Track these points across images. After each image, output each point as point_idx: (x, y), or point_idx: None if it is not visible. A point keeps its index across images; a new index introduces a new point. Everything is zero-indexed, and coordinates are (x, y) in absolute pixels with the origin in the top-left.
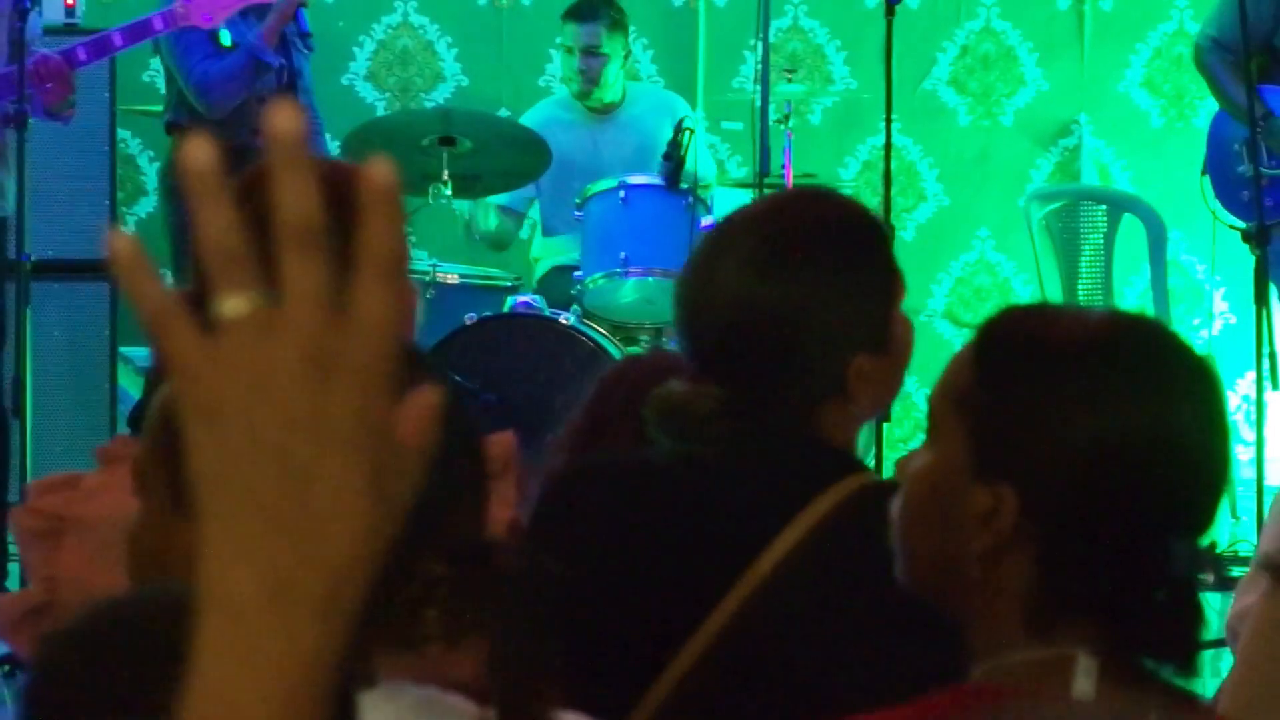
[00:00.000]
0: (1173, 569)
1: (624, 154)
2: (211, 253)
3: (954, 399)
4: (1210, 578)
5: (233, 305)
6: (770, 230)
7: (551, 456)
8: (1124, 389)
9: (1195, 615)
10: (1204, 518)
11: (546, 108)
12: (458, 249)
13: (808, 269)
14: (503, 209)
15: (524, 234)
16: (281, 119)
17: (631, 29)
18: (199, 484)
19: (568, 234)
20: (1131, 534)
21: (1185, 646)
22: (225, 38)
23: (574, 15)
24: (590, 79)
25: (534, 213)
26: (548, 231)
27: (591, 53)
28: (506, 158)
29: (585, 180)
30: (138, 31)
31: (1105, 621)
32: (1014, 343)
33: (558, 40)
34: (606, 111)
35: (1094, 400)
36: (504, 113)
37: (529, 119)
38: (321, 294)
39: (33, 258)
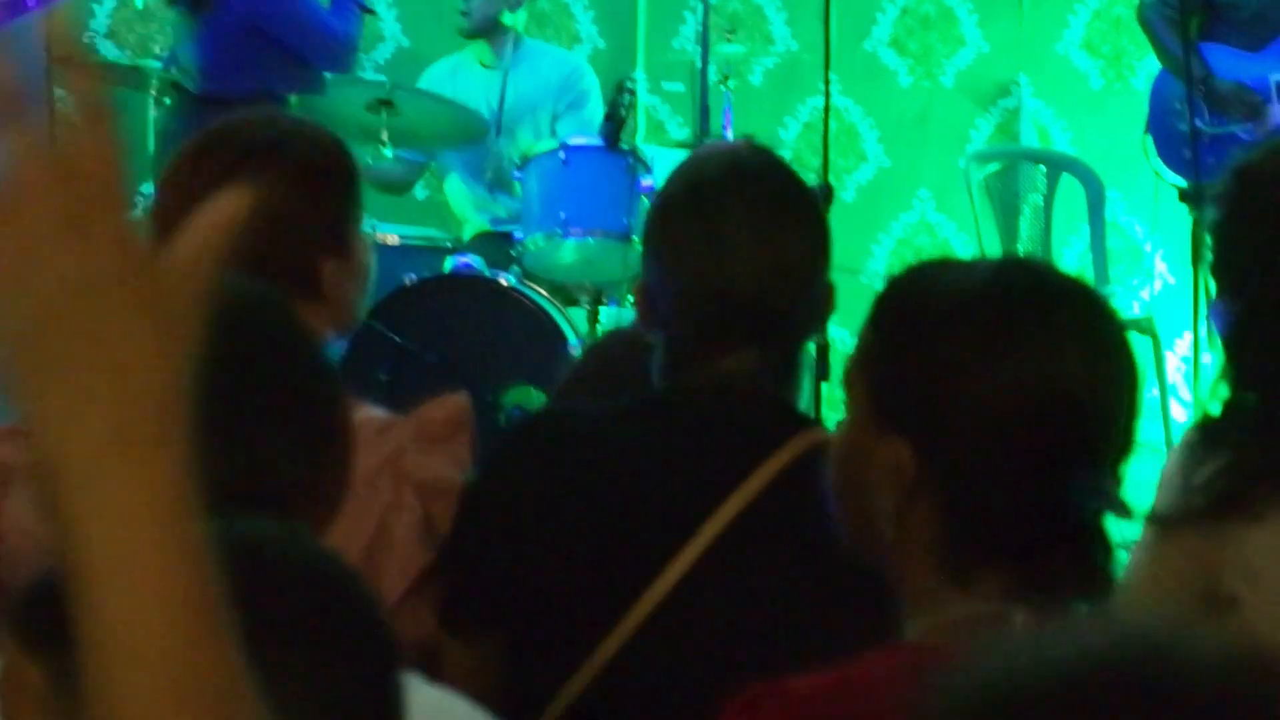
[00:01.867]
0: (1075, 508)
1: (521, 98)
2: None
3: (858, 359)
4: (1115, 512)
5: None
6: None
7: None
8: (1009, 336)
9: (1104, 551)
10: (1103, 454)
11: (449, 60)
12: (396, 210)
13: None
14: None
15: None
16: None
17: None
18: (12, 369)
19: (475, 183)
20: (1029, 477)
21: (1099, 583)
22: None
23: None
24: (468, 6)
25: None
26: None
27: None
28: (444, 121)
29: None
30: None
31: (1019, 567)
32: (905, 300)
33: None
34: (499, 49)
35: (981, 349)
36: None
37: (435, 71)
38: (41, 152)
39: None
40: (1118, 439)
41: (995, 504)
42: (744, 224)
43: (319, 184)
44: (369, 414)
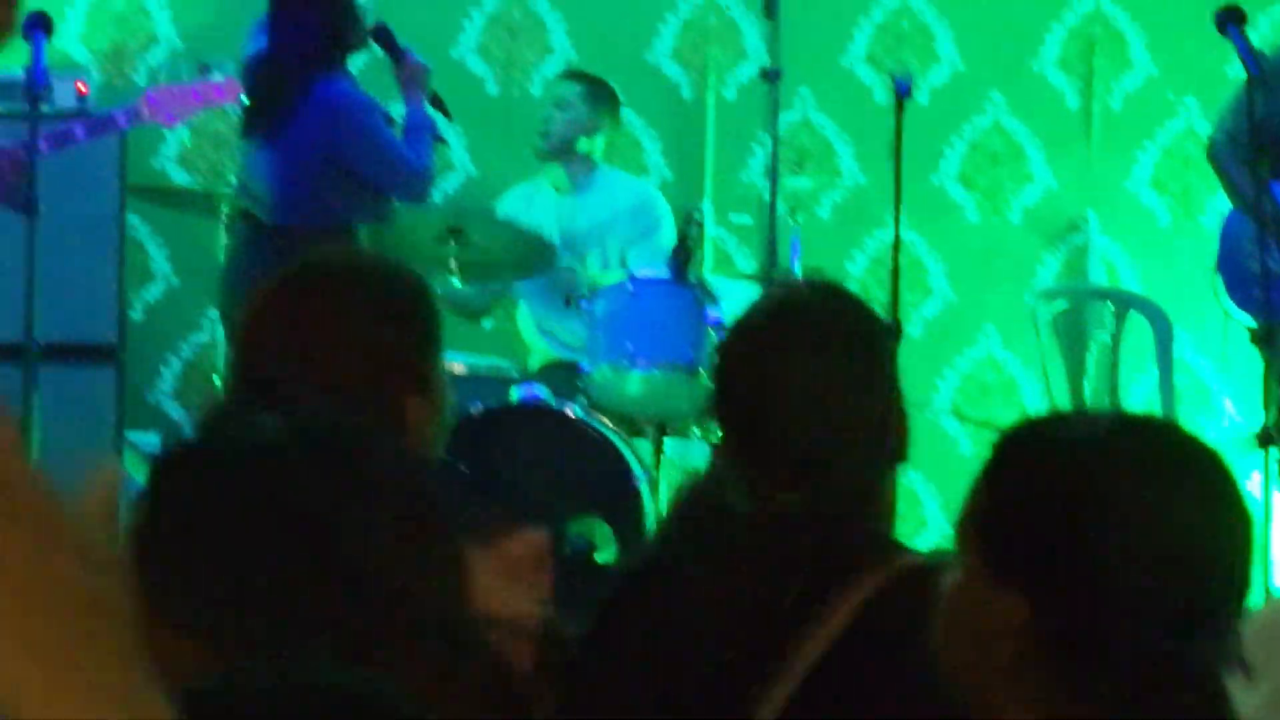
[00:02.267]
0: (1196, 666)
1: (594, 223)
2: None
3: (971, 513)
4: (1235, 669)
5: None
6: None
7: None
8: (1130, 494)
9: (1224, 710)
10: (1223, 611)
11: (525, 185)
12: (462, 339)
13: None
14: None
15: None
16: None
17: (641, 121)
18: None
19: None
20: (1150, 634)
21: None
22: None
23: (558, 77)
24: (547, 129)
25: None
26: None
27: (558, 104)
28: (514, 250)
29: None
30: (100, 126)
31: None
32: (1021, 455)
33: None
34: (575, 175)
35: (1101, 507)
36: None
37: (512, 196)
38: None
39: (41, 342)
40: (1236, 595)
41: (1114, 661)
42: (797, 364)
43: (403, 322)
44: None
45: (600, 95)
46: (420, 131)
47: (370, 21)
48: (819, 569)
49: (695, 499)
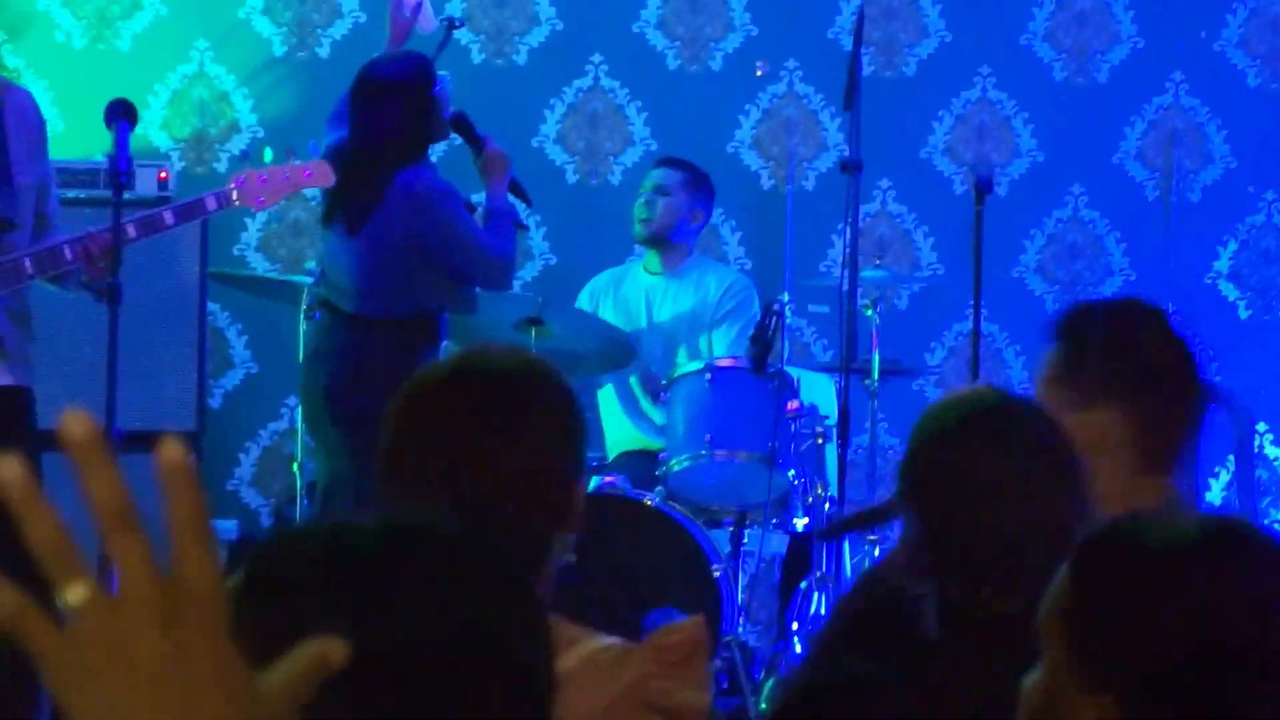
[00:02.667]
0: None
1: (686, 311)
2: (44, 552)
3: (1055, 614)
4: None
5: (75, 593)
6: None
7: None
8: (1216, 596)
9: None
10: None
11: (615, 270)
12: None
13: None
14: None
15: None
16: (73, 426)
17: (719, 211)
18: None
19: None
20: None
21: None
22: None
23: (658, 163)
24: (650, 214)
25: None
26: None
27: (660, 190)
28: (593, 343)
29: (645, 338)
30: (189, 210)
31: None
32: (1105, 556)
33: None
34: (668, 263)
35: (1188, 608)
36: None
37: (601, 280)
38: (148, 563)
39: (122, 430)
40: None
41: None
42: (998, 470)
43: (568, 417)
44: (599, 643)
45: (701, 184)
46: (501, 218)
47: (450, 110)
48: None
49: (876, 599)
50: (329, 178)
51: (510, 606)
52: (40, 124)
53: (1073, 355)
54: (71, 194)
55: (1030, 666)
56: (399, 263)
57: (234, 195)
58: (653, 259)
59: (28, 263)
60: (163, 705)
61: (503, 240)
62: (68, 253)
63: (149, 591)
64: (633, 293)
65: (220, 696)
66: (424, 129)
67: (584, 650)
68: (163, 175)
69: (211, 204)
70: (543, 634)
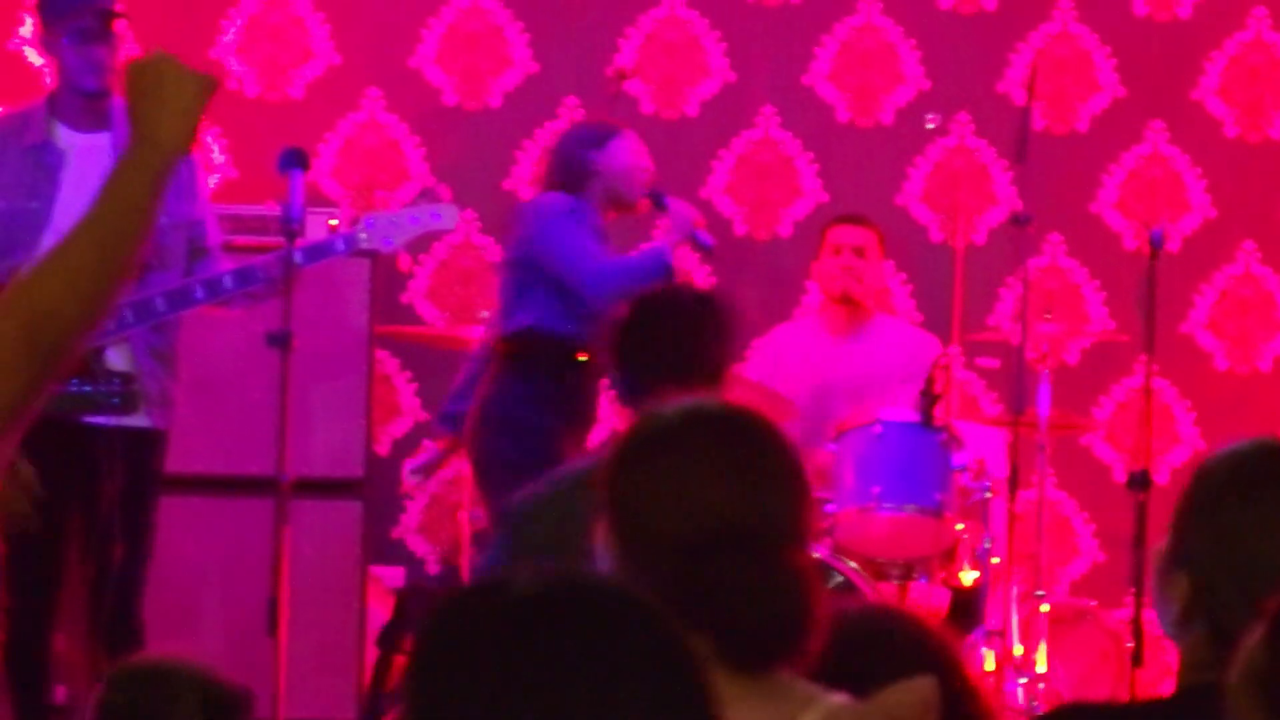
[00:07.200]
0: None
1: (866, 371)
2: None
3: (1248, 675)
4: None
5: None
6: None
7: None
8: None
9: None
10: None
11: (790, 326)
12: None
13: None
14: None
15: None
16: None
17: (890, 264)
18: None
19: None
20: None
21: None
22: None
23: (845, 220)
24: (856, 276)
25: None
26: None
27: (859, 253)
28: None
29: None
30: (319, 252)
31: None
32: None
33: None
34: (853, 321)
35: None
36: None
37: (780, 333)
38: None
39: (291, 476)
40: None
41: None
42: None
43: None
44: (832, 702)
45: (882, 244)
46: (645, 264)
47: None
48: None
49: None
50: (454, 220)
51: (670, 667)
52: (186, 163)
53: None
54: (241, 240)
55: None
56: (516, 277)
57: (362, 236)
58: (836, 319)
59: (159, 301)
60: None
61: (621, 266)
62: (199, 291)
63: None
64: (812, 353)
65: None
66: (568, 185)
67: (820, 710)
68: (333, 223)
69: (340, 246)
70: (704, 690)
